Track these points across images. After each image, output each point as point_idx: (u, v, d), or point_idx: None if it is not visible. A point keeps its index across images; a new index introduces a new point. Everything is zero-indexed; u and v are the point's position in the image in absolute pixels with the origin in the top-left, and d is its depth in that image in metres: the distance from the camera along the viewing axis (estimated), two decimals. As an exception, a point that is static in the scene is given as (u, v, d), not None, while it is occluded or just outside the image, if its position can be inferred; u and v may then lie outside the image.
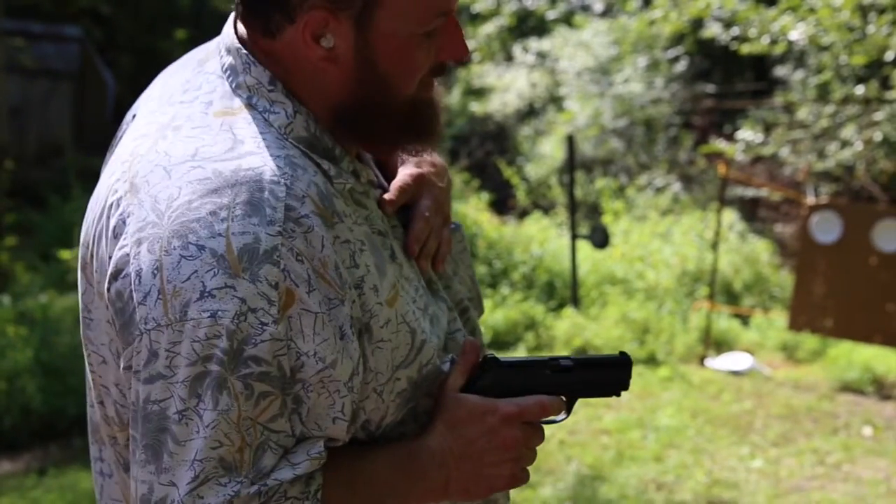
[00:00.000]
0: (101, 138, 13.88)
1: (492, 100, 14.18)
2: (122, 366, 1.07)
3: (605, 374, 1.29)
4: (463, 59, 1.22)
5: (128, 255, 1.05)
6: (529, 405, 1.20)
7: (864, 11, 7.30)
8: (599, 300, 7.74)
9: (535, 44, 14.24)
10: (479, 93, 14.68)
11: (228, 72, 1.16)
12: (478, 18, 15.40)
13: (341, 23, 1.11)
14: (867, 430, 5.49)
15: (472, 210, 9.76)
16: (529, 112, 14.07)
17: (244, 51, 1.15)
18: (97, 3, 15.34)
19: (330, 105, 1.16)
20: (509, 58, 15.08)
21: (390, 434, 1.18)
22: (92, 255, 1.14)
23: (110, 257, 1.08)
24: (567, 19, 14.41)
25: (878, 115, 8.73)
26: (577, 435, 5.19)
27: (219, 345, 1.00)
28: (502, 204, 12.15)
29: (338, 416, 1.07)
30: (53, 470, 4.48)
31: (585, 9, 14.34)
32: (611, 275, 8.27)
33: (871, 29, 7.20)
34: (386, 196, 1.23)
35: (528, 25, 15.33)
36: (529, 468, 1.24)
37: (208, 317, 1.00)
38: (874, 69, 8.76)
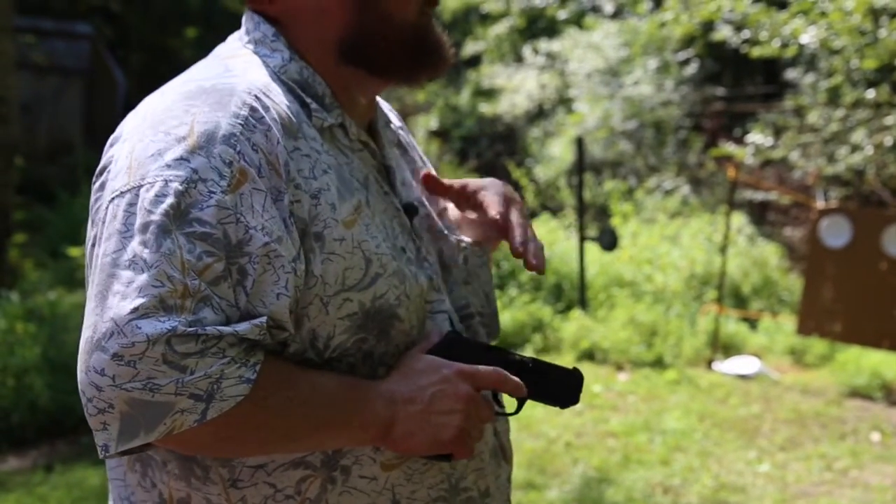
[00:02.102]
0: (110, 135, 13.89)
1: (501, 101, 14.18)
2: (88, 246, 1.16)
3: (558, 385, 1.33)
4: None
5: (112, 156, 1.19)
6: (487, 370, 1.25)
7: (875, 15, 7.27)
8: (607, 302, 7.73)
9: (545, 45, 14.22)
10: (488, 94, 14.67)
11: (242, 34, 1.33)
12: (488, 19, 15.39)
13: None
14: (875, 436, 5.47)
15: (481, 211, 9.74)
16: (539, 113, 14.06)
17: (256, 15, 1.31)
18: (108, 0, 15.37)
19: (335, 43, 1.28)
20: (519, 59, 15.06)
21: (339, 367, 1.21)
22: (92, 190, 1.24)
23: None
24: (577, 21, 14.39)
25: (889, 120, 8.70)
26: (583, 437, 5.18)
27: (166, 201, 1.08)
28: (511, 205, 12.12)
29: (281, 291, 1.11)
30: (60, 467, 4.49)
31: (596, 10, 14.32)
32: (619, 277, 8.25)
33: (882, 33, 7.18)
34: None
35: (539, 26, 15.32)
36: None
37: (161, 180, 1.10)
38: (885, 73, 8.73)
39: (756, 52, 7.78)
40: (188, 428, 1.05)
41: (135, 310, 1.03)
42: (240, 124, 1.14)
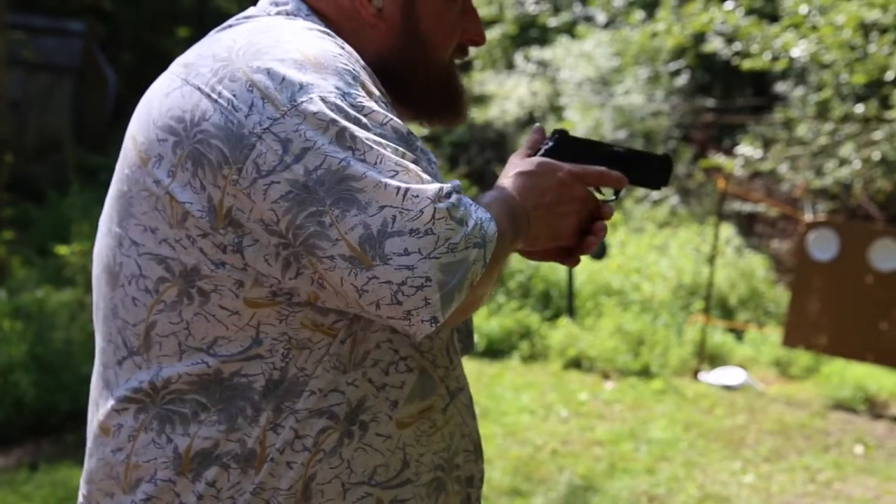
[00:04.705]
0: (100, 134, 13.86)
1: (492, 107, 14.20)
2: (253, 176, 1.07)
3: (650, 169, 1.42)
4: (480, 43, 1.38)
5: (198, 105, 1.11)
6: (592, 170, 1.32)
7: (865, 31, 7.33)
8: (595, 311, 7.75)
9: (536, 52, 14.26)
10: (479, 100, 14.68)
11: (266, 5, 1.28)
12: (480, 26, 15.40)
13: None
14: (858, 449, 5.50)
15: (470, 217, 9.74)
16: (529, 120, 14.08)
17: None
18: (100, -1, 15.34)
19: (374, 59, 1.27)
20: (510, 66, 15.09)
21: None
22: (134, 130, 1.19)
23: (172, 111, 1.14)
24: (569, 29, 14.43)
25: (877, 135, 8.77)
26: (569, 445, 5.19)
27: (341, 108, 1.08)
28: (500, 212, 12.14)
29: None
30: (45, 465, 4.47)
31: (588, 19, 14.37)
32: (607, 286, 8.27)
33: (872, 48, 7.23)
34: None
35: (530, 35, 15.35)
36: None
37: (317, 94, 1.08)
38: (874, 88, 8.79)
39: (747, 64, 7.82)
40: (476, 278, 1.09)
41: (397, 188, 1.05)
42: (339, 53, 1.15)
